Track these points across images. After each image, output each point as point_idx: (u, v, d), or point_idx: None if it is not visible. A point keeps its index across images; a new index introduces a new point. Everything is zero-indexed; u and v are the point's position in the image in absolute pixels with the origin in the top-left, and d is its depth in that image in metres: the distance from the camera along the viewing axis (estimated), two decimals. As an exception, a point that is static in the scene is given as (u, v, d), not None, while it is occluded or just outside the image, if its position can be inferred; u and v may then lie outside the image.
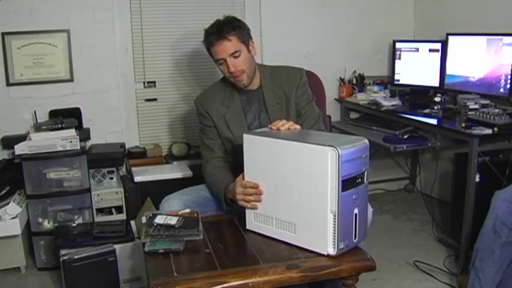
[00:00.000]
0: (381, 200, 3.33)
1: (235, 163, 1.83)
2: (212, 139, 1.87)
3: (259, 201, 1.53)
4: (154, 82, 2.93)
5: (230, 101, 1.85)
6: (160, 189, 2.16)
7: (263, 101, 1.84)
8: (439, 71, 2.91)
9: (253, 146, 1.50)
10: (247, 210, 1.57)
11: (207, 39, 1.77)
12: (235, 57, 1.74)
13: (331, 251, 1.38)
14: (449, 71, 2.83)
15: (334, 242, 1.36)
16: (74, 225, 2.33)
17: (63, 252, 2.10)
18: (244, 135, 1.52)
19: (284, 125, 1.56)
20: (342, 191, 1.33)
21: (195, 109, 1.94)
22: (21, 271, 2.43)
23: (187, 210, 1.63)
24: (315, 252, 1.40)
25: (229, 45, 1.73)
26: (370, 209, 1.56)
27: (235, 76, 1.77)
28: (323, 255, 1.39)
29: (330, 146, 1.32)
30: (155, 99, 2.94)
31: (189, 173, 2.51)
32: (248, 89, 1.84)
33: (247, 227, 1.58)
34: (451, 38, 2.80)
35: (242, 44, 1.75)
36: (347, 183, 1.34)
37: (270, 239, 1.51)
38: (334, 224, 1.35)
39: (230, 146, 1.85)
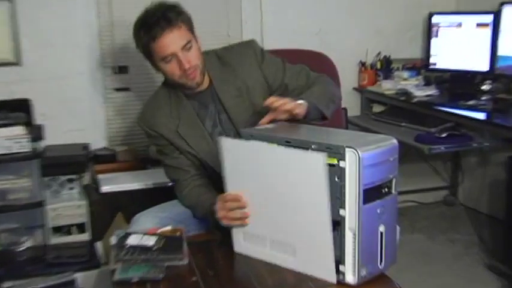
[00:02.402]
0: (413, 216, 3.34)
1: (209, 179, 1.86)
2: (176, 157, 1.86)
3: (246, 217, 1.54)
4: (126, 67, 2.94)
5: (180, 110, 1.84)
6: (135, 202, 2.17)
7: (218, 99, 1.84)
8: (488, 51, 2.92)
9: (237, 152, 1.51)
10: (234, 229, 1.58)
11: (148, 32, 1.70)
12: (188, 49, 1.73)
13: (350, 279, 1.38)
14: (502, 51, 2.83)
15: (354, 267, 1.37)
16: (22, 249, 2.33)
17: (6, 285, 2.10)
18: (222, 139, 1.52)
19: (281, 103, 1.55)
20: (364, 203, 1.33)
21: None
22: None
23: (169, 228, 1.64)
24: (326, 280, 1.41)
25: (180, 35, 1.71)
26: (397, 227, 1.57)
27: (188, 75, 1.75)
28: (339, 283, 1.40)
29: (348, 146, 1.32)
30: (128, 89, 2.96)
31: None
32: (198, 90, 1.83)
33: (236, 250, 1.59)
34: (505, 8, 2.80)
35: (191, 33, 1.75)
36: (370, 194, 1.35)
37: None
38: (354, 245, 1.36)
39: (197, 161, 1.85)
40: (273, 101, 1.59)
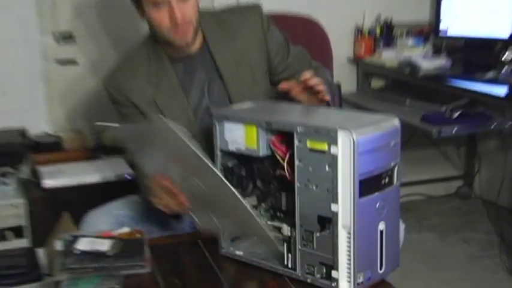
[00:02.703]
0: (421, 211, 3.37)
1: None
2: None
3: (182, 201, 1.56)
4: (71, 35, 2.92)
5: (160, 75, 1.85)
6: (85, 200, 2.16)
7: (213, 64, 1.85)
8: (510, 13, 2.95)
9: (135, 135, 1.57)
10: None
11: None
12: (184, 0, 1.74)
13: (345, 286, 1.40)
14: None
15: (350, 273, 1.39)
16: None
17: None
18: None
19: (318, 82, 1.63)
20: (360, 196, 1.35)
21: None
22: None
23: (126, 229, 1.65)
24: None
25: None
26: (400, 225, 1.60)
27: (178, 31, 1.76)
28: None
29: (340, 128, 1.33)
30: (74, 62, 2.95)
31: (128, 172, 2.53)
32: (187, 52, 1.84)
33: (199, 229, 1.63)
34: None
35: None
36: (368, 185, 1.37)
37: (250, 268, 1.55)
38: (349, 247, 1.38)
39: None
40: (310, 77, 1.63)
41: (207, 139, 1.70)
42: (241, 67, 1.86)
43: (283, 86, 1.67)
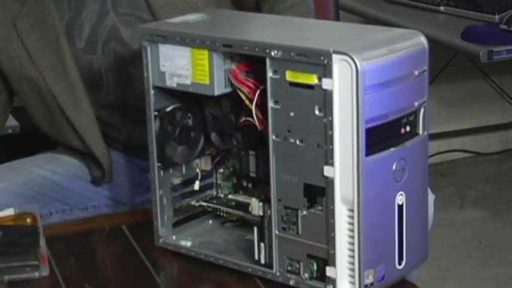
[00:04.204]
0: (463, 176, 3.40)
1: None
2: None
3: None
4: None
5: None
6: None
7: None
8: None
9: None
10: None
11: None
12: None
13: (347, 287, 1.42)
14: None
15: (353, 271, 1.40)
16: None
17: None
18: None
19: None
20: (368, 154, 1.36)
21: None
22: None
23: (10, 211, 1.65)
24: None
25: None
26: (430, 197, 1.65)
27: None
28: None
29: (337, 52, 1.33)
30: None
31: (12, 125, 2.50)
32: None
33: None
34: None
35: None
36: (378, 137, 1.38)
37: (203, 266, 1.56)
38: (352, 231, 1.39)
39: (34, 93, 1.89)
40: None
41: (119, 82, 1.83)
42: None
43: None
